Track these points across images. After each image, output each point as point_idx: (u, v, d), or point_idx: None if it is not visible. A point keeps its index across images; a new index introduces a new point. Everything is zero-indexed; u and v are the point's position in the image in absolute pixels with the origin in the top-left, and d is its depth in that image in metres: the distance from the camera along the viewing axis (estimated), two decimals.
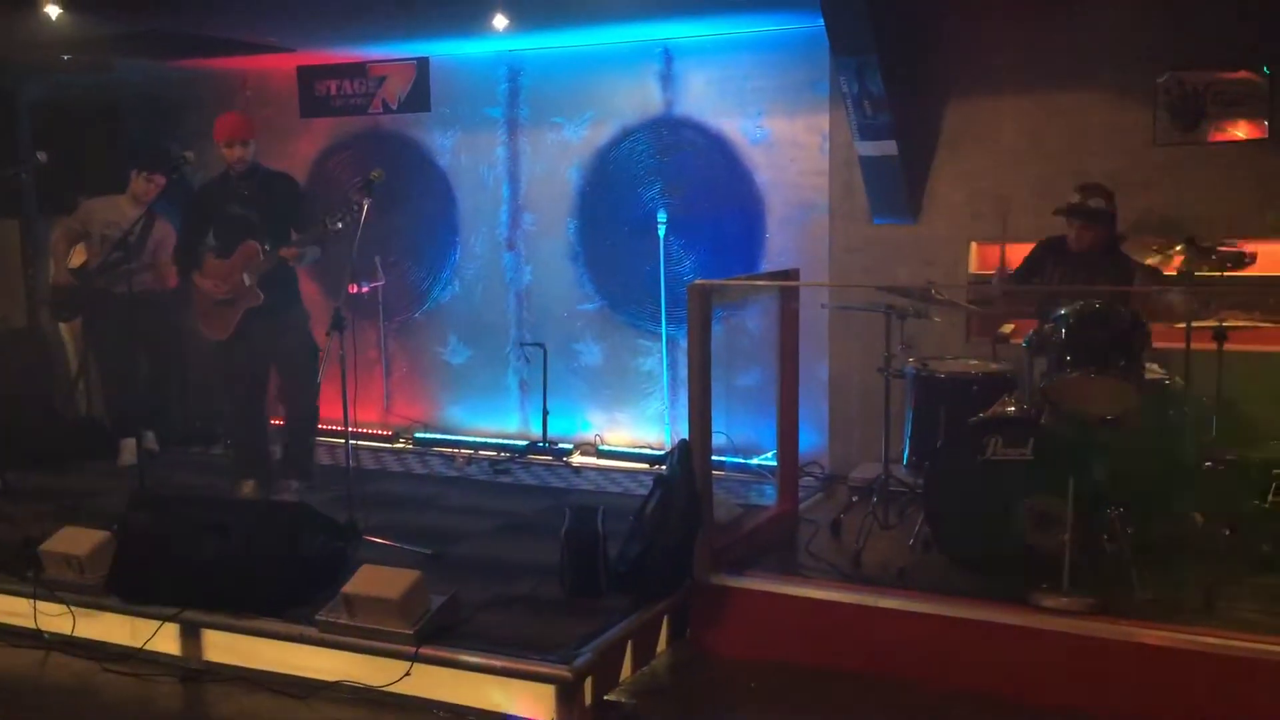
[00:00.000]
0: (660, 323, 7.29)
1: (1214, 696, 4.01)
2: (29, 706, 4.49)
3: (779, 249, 6.94)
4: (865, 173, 6.33)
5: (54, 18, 6.29)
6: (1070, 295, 4.77)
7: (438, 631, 4.38)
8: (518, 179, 7.52)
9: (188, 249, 6.29)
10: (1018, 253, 6.08)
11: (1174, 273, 5.13)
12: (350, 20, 6.77)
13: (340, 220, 5.61)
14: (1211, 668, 4.02)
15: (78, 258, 7.28)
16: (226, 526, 4.89)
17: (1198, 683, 4.04)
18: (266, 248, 5.98)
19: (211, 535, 4.87)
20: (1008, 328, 5.68)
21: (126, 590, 4.92)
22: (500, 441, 7.53)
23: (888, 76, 5.84)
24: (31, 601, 5.02)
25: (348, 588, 4.45)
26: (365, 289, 7.52)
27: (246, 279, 5.98)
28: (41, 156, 6.85)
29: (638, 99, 7.27)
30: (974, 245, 6.33)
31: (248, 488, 6.31)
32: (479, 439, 7.81)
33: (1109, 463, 4.72)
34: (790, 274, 6.18)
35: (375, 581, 4.44)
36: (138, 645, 4.80)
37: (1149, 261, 5.18)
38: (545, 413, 7.43)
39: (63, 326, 8.14)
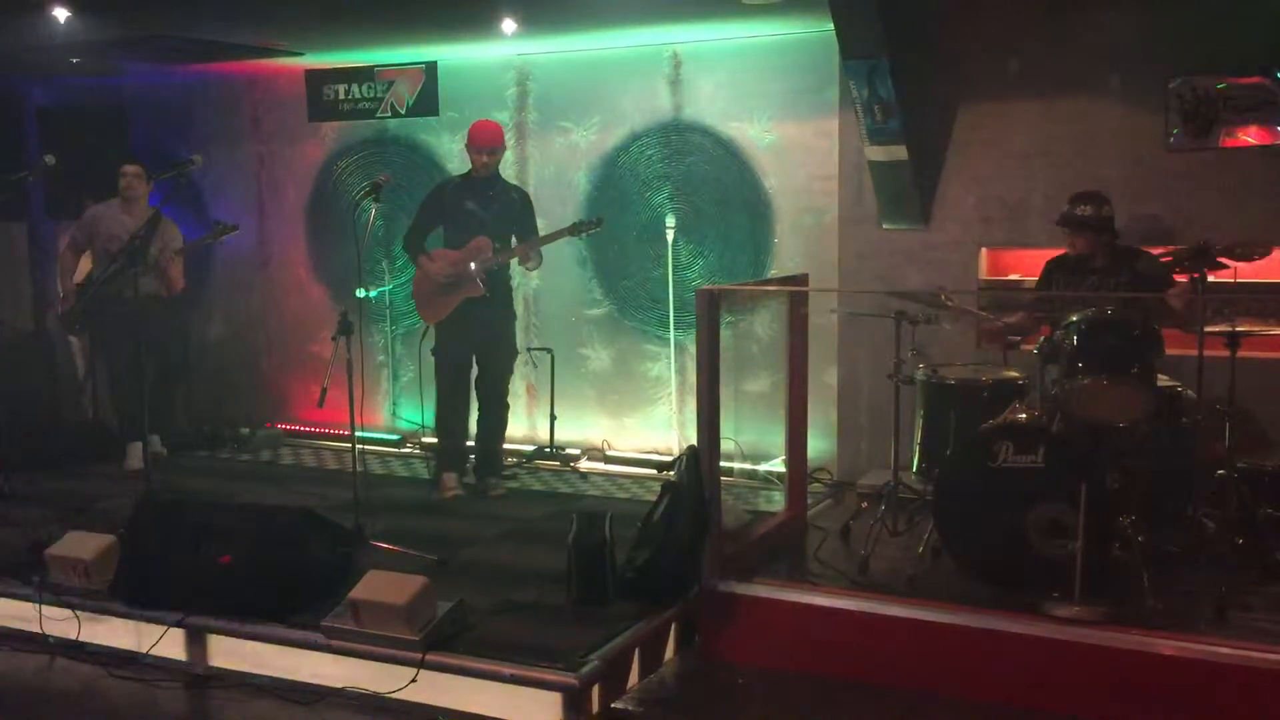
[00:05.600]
0: (669, 328, 7.26)
1: (1226, 707, 3.97)
2: (33, 712, 4.47)
3: (788, 254, 6.92)
4: (875, 177, 6.30)
5: (62, 21, 6.30)
6: (1086, 303, 4.74)
7: (444, 638, 4.35)
8: (526, 183, 7.48)
9: (418, 234, 6.53)
10: (1030, 260, 6.07)
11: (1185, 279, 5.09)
12: (359, 25, 6.76)
13: (586, 229, 6.33)
14: (1224, 678, 3.98)
15: (82, 272, 7.28)
16: (233, 531, 4.89)
17: (1210, 693, 3.99)
18: (497, 245, 6.33)
19: (218, 540, 4.86)
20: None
21: (132, 595, 4.91)
22: (507, 446, 7.50)
23: (898, 81, 5.81)
24: (37, 606, 5.01)
25: (354, 593, 4.43)
26: (372, 293, 7.49)
27: (473, 267, 6.27)
28: (49, 160, 6.84)
29: (646, 103, 7.24)
30: (984, 251, 6.30)
31: (450, 482, 6.62)
32: None
33: (1120, 470, 4.69)
34: (799, 279, 6.15)
35: (381, 587, 4.42)
36: (143, 650, 4.79)
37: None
38: (553, 418, 7.41)
39: None
